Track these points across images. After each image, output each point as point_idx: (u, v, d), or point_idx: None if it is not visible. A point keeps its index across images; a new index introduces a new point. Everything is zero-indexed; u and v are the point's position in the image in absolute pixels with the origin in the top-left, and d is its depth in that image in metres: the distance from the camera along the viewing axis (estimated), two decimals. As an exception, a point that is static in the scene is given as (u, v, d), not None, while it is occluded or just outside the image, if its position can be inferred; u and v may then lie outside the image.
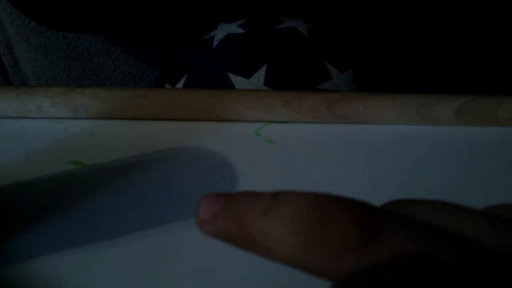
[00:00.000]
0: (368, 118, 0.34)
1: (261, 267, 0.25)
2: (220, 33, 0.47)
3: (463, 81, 0.63)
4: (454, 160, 0.32)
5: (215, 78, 0.44)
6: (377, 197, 0.27)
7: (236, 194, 0.14)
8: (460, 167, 0.31)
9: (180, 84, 0.46)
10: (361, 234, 0.11)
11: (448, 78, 0.64)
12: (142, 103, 0.34)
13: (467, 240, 0.11)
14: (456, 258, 0.11)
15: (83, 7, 0.50)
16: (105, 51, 0.64)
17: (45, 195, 0.29)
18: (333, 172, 0.31)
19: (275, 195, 0.13)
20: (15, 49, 0.67)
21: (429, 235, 0.11)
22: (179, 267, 0.25)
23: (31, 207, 0.28)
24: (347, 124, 0.34)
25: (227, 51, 0.45)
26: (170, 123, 0.34)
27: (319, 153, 0.32)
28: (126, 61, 0.64)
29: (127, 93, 0.34)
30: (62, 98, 0.34)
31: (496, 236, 0.12)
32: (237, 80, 0.43)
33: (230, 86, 0.43)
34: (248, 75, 0.43)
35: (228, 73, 0.43)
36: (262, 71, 0.43)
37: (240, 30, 0.46)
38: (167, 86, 0.47)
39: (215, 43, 0.46)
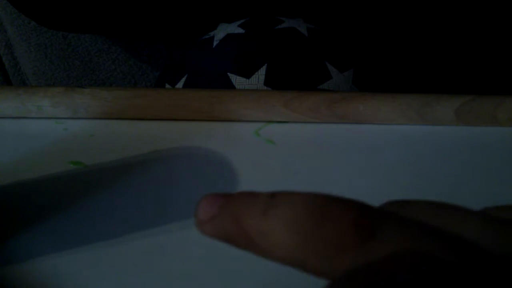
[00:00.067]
0: (368, 118, 0.34)
1: (261, 267, 0.25)
2: (220, 33, 0.47)
3: (463, 81, 0.63)
4: (454, 160, 0.32)
5: (215, 78, 0.44)
6: (377, 197, 0.27)
7: (235, 195, 0.14)
8: (460, 167, 0.31)
9: (180, 84, 0.46)
10: (359, 234, 0.11)
11: (448, 78, 0.64)
12: (142, 103, 0.34)
13: (464, 239, 0.11)
14: (453, 257, 0.11)
15: (83, 7, 0.50)
16: (105, 51, 0.64)
17: (45, 195, 0.29)
18: (333, 172, 0.31)
19: (273, 195, 0.13)
20: (15, 49, 0.67)
21: (426, 234, 0.11)
22: (179, 267, 0.25)
23: (31, 207, 0.28)
24: (347, 124, 0.34)
25: (227, 51, 0.45)
26: (170, 123, 0.34)
27: (319, 153, 0.32)
28: (126, 61, 0.64)
29: (127, 93, 0.34)
30: (62, 98, 0.34)
31: (493, 236, 0.12)
32: (237, 80, 0.43)
33: (230, 86, 0.43)
34: (248, 75, 0.43)
35: (228, 73, 0.43)
36: (262, 71, 0.43)
37: (240, 30, 0.46)
38: (167, 86, 0.47)
39: (215, 43, 0.46)
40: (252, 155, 0.32)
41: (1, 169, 0.31)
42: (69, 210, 0.28)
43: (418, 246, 0.11)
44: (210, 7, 0.53)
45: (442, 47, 0.62)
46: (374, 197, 0.18)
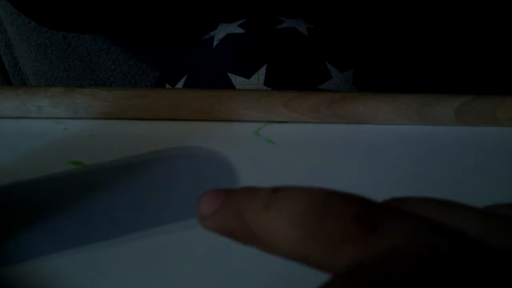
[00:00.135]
0: (368, 118, 0.34)
1: (262, 267, 0.25)
2: (220, 33, 0.47)
3: (463, 81, 0.63)
4: (454, 160, 0.32)
5: (215, 78, 0.44)
6: (377, 197, 0.26)
7: (237, 190, 0.14)
8: (460, 167, 0.31)
9: (180, 84, 0.46)
10: (361, 228, 0.12)
11: (448, 78, 0.64)
12: (142, 103, 0.34)
13: (465, 234, 0.12)
14: (455, 251, 0.11)
15: (83, 7, 0.50)
16: (105, 51, 0.64)
17: (45, 195, 0.29)
18: (333, 172, 0.31)
19: (275, 190, 0.13)
20: (15, 49, 0.67)
21: (428, 228, 0.11)
22: (179, 267, 0.25)
23: (31, 207, 0.28)
24: (347, 124, 0.34)
25: (227, 51, 0.45)
26: (170, 123, 0.34)
27: (319, 153, 0.32)
28: (126, 61, 0.64)
29: (127, 93, 0.34)
30: (62, 98, 0.34)
31: (493, 231, 0.12)
32: (237, 80, 0.43)
33: (230, 86, 0.43)
34: (248, 75, 0.43)
35: (228, 73, 0.43)
36: (262, 71, 0.43)
37: (240, 30, 0.46)
38: (167, 86, 0.47)
39: (215, 43, 0.46)
40: (252, 155, 0.32)
41: (1, 169, 0.31)
42: (69, 210, 0.28)
43: (421, 239, 0.11)
44: (210, 7, 0.53)
45: (442, 47, 0.62)
46: (374, 197, 0.18)
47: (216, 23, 0.50)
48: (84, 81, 0.66)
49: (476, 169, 0.31)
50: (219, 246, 0.26)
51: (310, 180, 0.30)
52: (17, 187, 0.29)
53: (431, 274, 0.10)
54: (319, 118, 0.34)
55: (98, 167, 0.31)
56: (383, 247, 0.11)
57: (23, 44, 0.64)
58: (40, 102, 0.34)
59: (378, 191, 0.29)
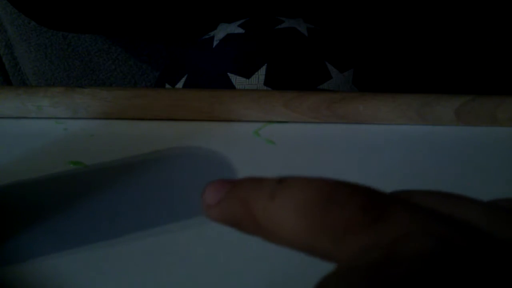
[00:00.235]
0: (368, 118, 0.34)
1: (261, 268, 0.25)
2: (220, 33, 0.47)
3: (463, 81, 0.63)
4: (454, 160, 0.32)
5: (215, 78, 0.44)
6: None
7: (242, 180, 0.14)
8: (460, 167, 0.31)
9: (180, 84, 0.46)
10: (367, 217, 0.11)
11: (448, 78, 0.64)
12: (142, 103, 0.34)
13: (468, 224, 0.12)
14: (460, 240, 0.11)
15: (83, 7, 0.50)
16: (105, 51, 0.64)
17: (45, 195, 0.29)
18: (333, 172, 0.31)
19: (281, 180, 0.13)
20: (15, 49, 0.67)
21: (433, 218, 0.11)
22: (179, 267, 0.25)
23: (31, 207, 0.28)
24: (347, 124, 0.34)
25: (227, 51, 0.45)
26: (170, 123, 0.34)
27: (319, 153, 0.32)
28: (126, 61, 0.64)
29: (127, 93, 0.34)
30: (62, 98, 0.34)
31: (495, 223, 0.12)
32: (237, 80, 0.43)
33: (230, 86, 0.43)
34: (248, 75, 0.43)
35: (228, 73, 0.43)
36: (262, 71, 0.43)
37: (240, 30, 0.46)
38: (167, 86, 0.47)
39: (215, 43, 0.46)
40: (252, 155, 0.32)
41: (1, 169, 0.31)
42: (69, 210, 0.28)
43: (428, 229, 0.11)
44: (210, 7, 0.53)
45: (442, 47, 0.62)
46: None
47: (216, 23, 0.50)
48: (84, 81, 0.66)
49: (476, 169, 0.31)
50: (219, 246, 0.26)
51: (310, 180, 0.30)
52: (17, 187, 0.29)
53: (436, 262, 0.10)
54: (319, 118, 0.34)
55: (98, 167, 0.31)
56: (389, 236, 0.11)
57: (23, 44, 0.64)
58: (40, 102, 0.34)
59: (378, 191, 0.29)
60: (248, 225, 0.13)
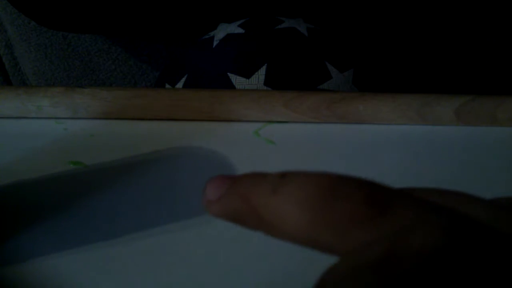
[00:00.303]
0: (368, 118, 0.34)
1: (261, 268, 0.25)
2: (220, 33, 0.47)
3: (463, 81, 0.63)
4: (454, 160, 0.32)
5: (215, 78, 0.44)
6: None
7: (244, 175, 0.14)
8: (460, 167, 0.31)
9: (180, 84, 0.46)
10: (371, 210, 0.11)
11: (448, 78, 0.64)
12: (142, 103, 0.34)
13: (472, 218, 0.12)
14: (465, 232, 0.11)
15: (83, 7, 0.50)
16: (105, 51, 0.64)
17: (45, 195, 0.29)
18: (333, 172, 0.31)
19: (283, 175, 0.13)
20: (15, 49, 0.67)
21: (437, 211, 0.11)
22: (179, 267, 0.25)
23: (31, 207, 0.28)
24: (347, 124, 0.34)
25: (227, 51, 0.45)
26: (170, 123, 0.34)
27: (319, 153, 0.32)
28: (126, 61, 0.64)
29: (127, 93, 0.34)
30: (62, 98, 0.34)
31: (498, 219, 0.12)
32: (237, 80, 0.43)
33: (230, 86, 0.43)
34: (248, 75, 0.43)
35: (228, 73, 0.43)
36: (262, 71, 0.43)
37: (240, 30, 0.46)
38: (167, 86, 0.47)
39: (215, 43, 0.46)
40: (252, 155, 0.32)
41: (1, 169, 0.31)
42: (69, 210, 0.28)
43: (432, 222, 0.11)
44: (210, 7, 0.53)
45: (442, 47, 0.62)
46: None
47: (216, 23, 0.50)
48: (84, 81, 0.66)
49: (476, 169, 0.31)
50: (219, 246, 0.26)
51: (310, 180, 0.30)
52: (17, 187, 0.29)
53: (444, 252, 0.10)
54: (319, 118, 0.34)
55: (98, 167, 0.31)
56: (394, 229, 0.11)
57: (23, 44, 0.64)
58: (40, 102, 0.34)
59: (378, 191, 0.29)
60: (250, 219, 0.13)
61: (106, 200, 0.28)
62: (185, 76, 0.46)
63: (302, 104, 0.33)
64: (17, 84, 0.70)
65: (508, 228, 0.11)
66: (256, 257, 0.25)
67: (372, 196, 0.12)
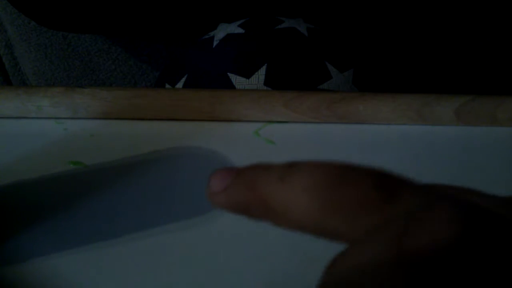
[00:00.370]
0: (368, 118, 0.34)
1: (261, 268, 0.25)
2: (220, 33, 0.47)
3: (463, 81, 0.63)
4: (454, 160, 0.32)
5: (215, 78, 0.44)
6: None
7: (248, 166, 0.13)
8: (460, 167, 0.31)
9: (180, 84, 0.46)
10: (381, 195, 0.11)
11: (448, 78, 0.64)
12: (142, 103, 0.34)
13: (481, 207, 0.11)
14: (474, 219, 0.11)
15: (83, 7, 0.50)
16: (105, 51, 0.64)
17: (45, 195, 0.29)
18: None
19: (291, 164, 0.13)
20: (15, 49, 0.67)
21: (444, 198, 0.11)
22: (179, 267, 0.25)
23: (31, 207, 0.28)
24: (347, 124, 0.34)
25: (227, 51, 0.45)
26: (170, 123, 0.34)
27: (319, 153, 0.32)
28: (126, 61, 0.64)
29: (127, 93, 0.34)
30: (62, 98, 0.34)
31: (504, 210, 0.12)
32: (237, 80, 0.43)
33: (230, 86, 0.43)
34: (248, 75, 0.43)
35: (228, 73, 0.43)
36: (262, 71, 0.43)
37: (240, 30, 0.46)
38: (167, 86, 0.47)
39: (215, 43, 0.46)
40: (252, 155, 0.32)
41: (1, 169, 0.31)
42: (69, 210, 0.28)
43: (440, 210, 0.11)
44: (210, 7, 0.53)
45: (442, 47, 0.62)
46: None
47: (216, 23, 0.50)
48: (84, 81, 0.66)
49: (476, 169, 0.31)
50: (219, 246, 0.26)
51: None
52: (17, 187, 0.29)
53: (453, 240, 0.10)
54: (319, 118, 0.34)
55: (98, 167, 0.31)
56: (402, 216, 0.11)
57: (23, 44, 0.64)
58: (40, 102, 0.34)
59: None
60: (257, 209, 0.13)
61: (106, 200, 0.28)
62: (185, 76, 0.46)
63: (302, 104, 0.33)
64: (17, 84, 0.70)
65: None
66: (256, 257, 0.25)
67: (380, 183, 0.12)
